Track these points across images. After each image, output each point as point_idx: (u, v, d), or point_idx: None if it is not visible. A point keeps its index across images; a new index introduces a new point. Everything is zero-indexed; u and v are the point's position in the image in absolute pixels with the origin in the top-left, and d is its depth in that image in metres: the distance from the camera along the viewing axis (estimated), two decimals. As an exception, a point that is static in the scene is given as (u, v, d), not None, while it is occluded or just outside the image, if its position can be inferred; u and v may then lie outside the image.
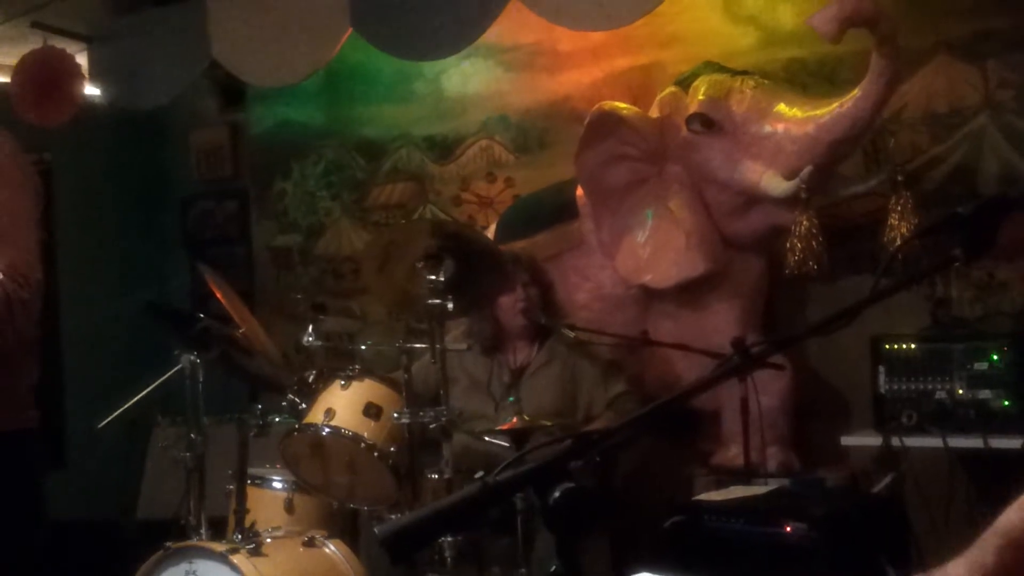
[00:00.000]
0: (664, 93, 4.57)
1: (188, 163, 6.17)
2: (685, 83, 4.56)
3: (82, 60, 5.13)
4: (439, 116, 5.51)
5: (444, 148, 5.51)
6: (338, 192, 5.78)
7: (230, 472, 3.78)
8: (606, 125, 4.46)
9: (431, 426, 3.58)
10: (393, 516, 3.62)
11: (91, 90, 5.18)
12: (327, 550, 3.59)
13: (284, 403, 3.77)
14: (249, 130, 6.02)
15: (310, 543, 3.58)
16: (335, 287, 5.75)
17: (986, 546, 1.67)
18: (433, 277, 3.63)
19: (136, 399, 4.09)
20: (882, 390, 3.93)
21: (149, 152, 6.27)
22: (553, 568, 1.55)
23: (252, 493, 3.79)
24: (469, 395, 4.27)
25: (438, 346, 3.62)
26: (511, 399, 3.86)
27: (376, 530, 1.53)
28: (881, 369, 3.94)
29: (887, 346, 3.95)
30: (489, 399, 4.30)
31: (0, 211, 2.37)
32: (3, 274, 2.30)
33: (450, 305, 3.60)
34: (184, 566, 3.44)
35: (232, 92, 5.74)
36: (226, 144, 6.08)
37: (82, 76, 5.10)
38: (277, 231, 5.97)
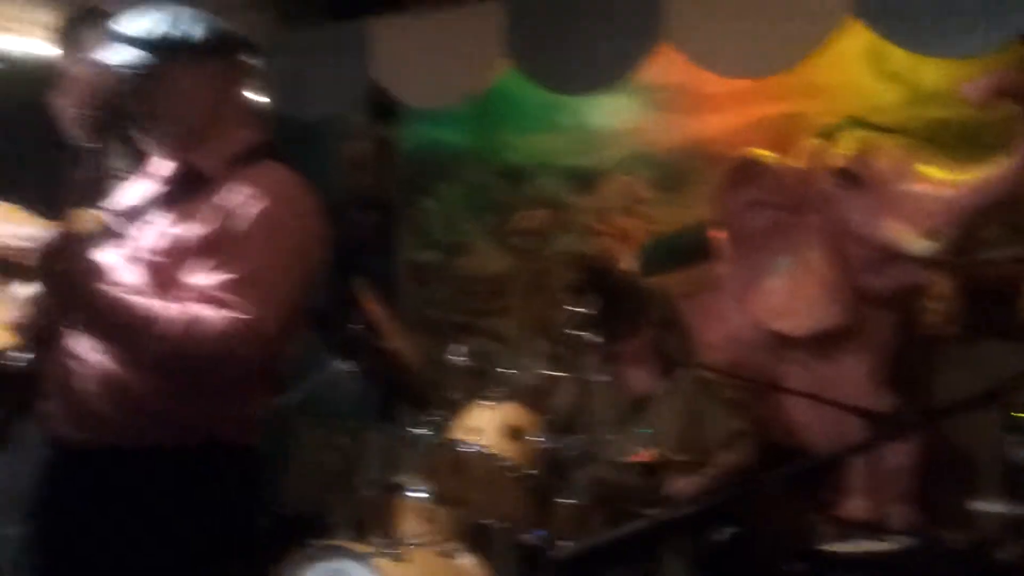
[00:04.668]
0: (808, 144, 4.67)
1: (334, 173, 6.38)
2: (830, 135, 4.64)
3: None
4: (582, 148, 5.62)
5: (584, 180, 5.62)
6: (479, 214, 5.94)
7: (370, 478, 3.97)
8: (749, 171, 4.57)
9: (569, 452, 3.73)
10: (526, 535, 3.77)
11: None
12: (462, 562, 3.75)
13: (429, 417, 3.94)
14: (398, 147, 6.21)
15: (447, 554, 3.74)
16: (471, 306, 5.89)
17: None
18: (577, 309, 3.78)
19: (285, 400, 4.26)
20: (1013, 457, 3.96)
21: (296, 159, 6.47)
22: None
23: (393, 501, 3.97)
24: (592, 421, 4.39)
25: (580, 376, 3.78)
26: (644, 431, 3.99)
27: (550, 554, 1.67)
28: (1013, 437, 3.97)
29: (1020, 414, 3.98)
30: (609, 427, 4.41)
31: (268, 260, 2.38)
32: (239, 327, 2.31)
33: (593, 337, 3.76)
34: (328, 564, 3.61)
35: (384, 109, 5.92)
36: (373, 158, 6.28)
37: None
38: (418, 247, 6.15)
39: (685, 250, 4.97)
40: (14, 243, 2.71)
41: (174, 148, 2.54)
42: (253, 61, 2.65)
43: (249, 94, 2.68)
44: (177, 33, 2.48)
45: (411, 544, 3.72)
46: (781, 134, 5.01)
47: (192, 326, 2.28)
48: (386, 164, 6.27)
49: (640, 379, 4.46)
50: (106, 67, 2.55)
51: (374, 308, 4.08)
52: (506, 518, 3.91)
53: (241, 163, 2.50)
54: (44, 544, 2.51)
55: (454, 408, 3.95)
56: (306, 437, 4.98)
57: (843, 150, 4.45)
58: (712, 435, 4.35)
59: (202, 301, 2.34)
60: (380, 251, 6.12)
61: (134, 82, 2.51)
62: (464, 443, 3.78)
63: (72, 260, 2.24)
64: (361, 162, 6.28)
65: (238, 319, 2.31)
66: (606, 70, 4.70)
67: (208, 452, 2.44)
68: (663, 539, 1.57)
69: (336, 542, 3.72)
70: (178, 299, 2.37)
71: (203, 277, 2.37)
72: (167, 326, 2.28)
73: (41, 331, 2.45)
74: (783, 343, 4.61)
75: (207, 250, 2.39)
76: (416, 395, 4.13)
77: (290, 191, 2.50)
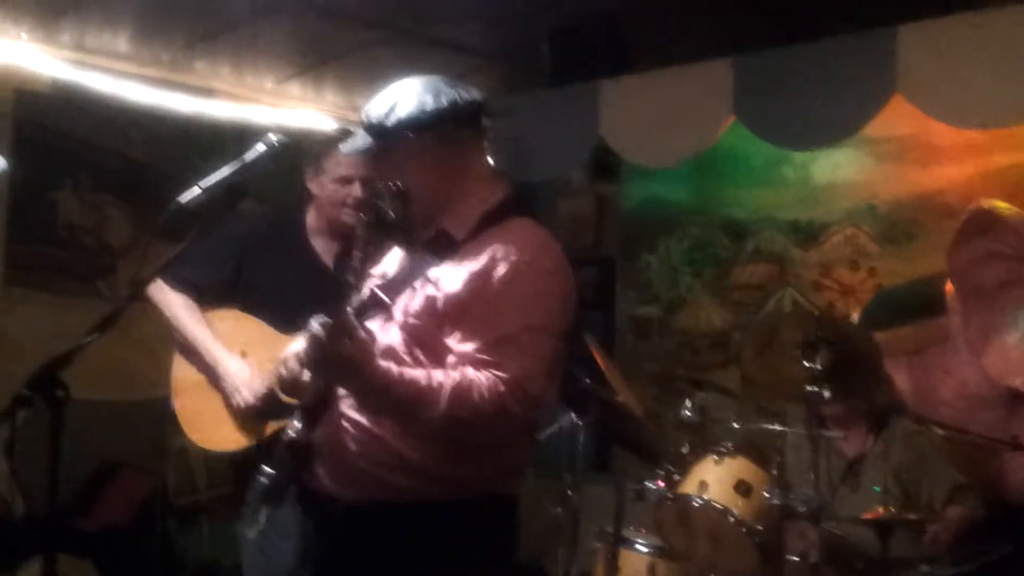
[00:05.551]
0: (1046, 194, 4.53)
1: (555, 230, 6.51)
2: (1069, 186, 4.50)
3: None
4: (805, 201, 5.62)
5: (808, 233, 5.60)
6: (700, 269, 5.98)
7: (596, 530, 4.02)
8: (984, 222, 4.46)
9: (800, 509, 3.69)
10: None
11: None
12: (688, 615, 3.75)
13: (660, 471, 3.96)
14: (620, 204, 6.32)
15: (673, 606, 3.75)
16: (691, 361, 5.92)
17: None
18: (810, 364, 3.76)
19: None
20: None
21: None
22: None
23: (618, 553, 4.00)
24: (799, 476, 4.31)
25: (810, 432, 3.75)
26: (876, 488, 3.92)
27: None
28: None
29: None
30: (817, 483, 4.31)
31: (526, 317, 2.45)
32: (506, 386, 2.37)
33: (826, 393, 3.72)
34: (558, 614, 3.67)
35: (605, 166, 6.03)
36: (592, 214, 6.40)
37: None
38: (638, 301, 6.22)
39: (914, 304, 4.87)
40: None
41: (425, 215, 2.60)
42: (490, 123, 2.70)
43: (489, 154, 2.73)
44: (421, 108, 2.55)
45: (637, 596, 3.74)
46: (1015, 185, 4.89)
47: (464, 393, 2.35)
48: (606, 220, 6.37)
49: (850, 439, 4.37)
50: (350, 150, 2.70)
51: (600, 361, 4.14)
52: (733, 573, 3.88)
53: (489, 222, 2.56)
54: None
55: (681, 461, 3.96)
56: (532, 487, 5.07)
57: (1084, 200, 4.30)
58: (934, 491, 4.24)
59: (468, 364, 2.41)
60: (601, 306, 6.20)
61: (381, 163, 2.62)
62: (693, 497, 3.79)
63: (351, 344, 2.33)
64: (582, 218, 6.40)
65: (506, 380, 2.37)
66: (836, 124, 4.69)
67: (477, 504, 2.51)
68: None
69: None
70: (440, 361, 2.45)
71: (465, 340, 2.44)
72: (442, 397, 2.35)
73: (312, 402, 2.56)
74: (1019, 399, 4.46)
75: (465, 312, 2.45)
76: (644, 447, 4.17)
77: (539, 246, 2.55)
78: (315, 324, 2.35)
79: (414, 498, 2.47)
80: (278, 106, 5.88)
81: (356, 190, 3.63)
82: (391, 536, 2.47)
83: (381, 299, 2.55)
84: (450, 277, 2.50)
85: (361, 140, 2.64)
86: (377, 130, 2.59)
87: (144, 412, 4.85)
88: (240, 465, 3.69)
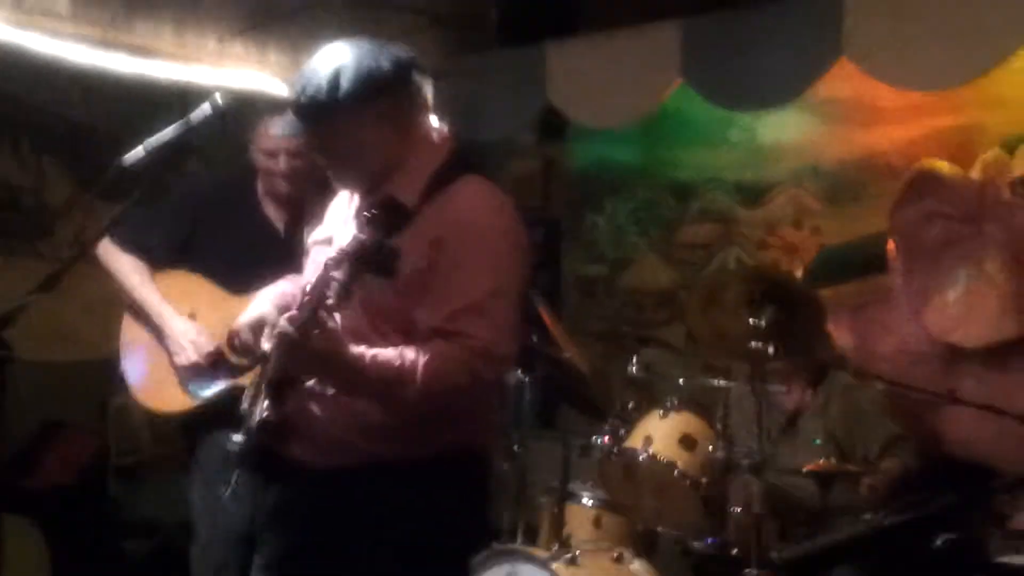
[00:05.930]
0: (987, 155, 4.59)
1: (503, 190, 6.51)
2: (1010, 146, 4.56)
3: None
4: (751, 162, 5.63)
5: (753, 193, 5.63)
6: (646, 229, 5.99)
7: (543, 485, 4.06)
8: (926, 183, 4.54)
9: (742, 462, 3.75)
10: (697, 543, 3.82)
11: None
12: (633, 567, 3.80)
13: (606, 426, 4.00)
14: (567, 165, 6.32)
15: (619, 559, 3.79)
16: (637, 318, 5.95)
17: None
18: (755, 321, 3.81)
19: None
20: None
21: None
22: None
23: (565, 507, 4.04)
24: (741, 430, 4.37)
25: (753, 386, 3.80)
26: (817, 441, 4.00)
27: (776, 553, 1.72)
28: None
29: None
30: (760, 436, 4.37)
31: (487, 282, 2.44)
32: (476, 354, 2.38)
33: (770, 348, 3.77)
34: (506, 567, 3.69)
35: (552, 127, 6.03)
36: (539, 175, 6.39)
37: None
38: (585, 261, 6.24)
39: (856, 262, 4.95)
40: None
41: (372, 185, 2.56)
42: (429, 82, 2.62)
43: (432, 116, 2.65)
44: (368, 75, 2.46)
45: (582, 549, 3.78)
46: (958, 146, 4.92)
47: (437, 366, 2.36)
48: (553, 181, 6.37)
49: (791, 393, 4.41)
50: (290, 133, 2.64)
51: (546, 319, 4.17)
52: (678, 526, 3.95)
53: (439, 183, 2.52)
54: (293, 559, 2.58)
55: (627, 417, 4.00)
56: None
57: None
58: (870, 442, 4.30)
59: (436, 336, 2.40)
60: (548, 265, 6.22)
61: (324, 136, 2.56)
62: (638, 451, 3.83)
63: (321, 336, 2.31)
64: (529, 180, 6.40)
65: (476, 347, 2.38)
66: (782, 86, 4.70)
67: (453, 459, 2.52)
68: (875, 545, 1.59)
69: (515, 546, 3.81)
70: (408, 336, 2.44)
71: (431, 313, 2.43)
72: (416, 374, 2.36)
73: (277, 378, 2.49)
74: (957, 355, 4.55)
75: (427, 284, 2.43)
76: (589, 404, 4.21)
77: (491, 207, 2.52)
78: (283, 322, 2.33)
79: (392, 459, 2.47)
80: (220, 66, 5.81)
81: (283, 162, 3.65)
82: (368, 497, 2.48)
83: (336, 275, 2.49)
84: (407, 250, 2.39)
85: (301, 117, 2.55)
86: (323, 105, 2.48)
87: (87, 372, 4.82)
88: (187, 426, 3.71)
